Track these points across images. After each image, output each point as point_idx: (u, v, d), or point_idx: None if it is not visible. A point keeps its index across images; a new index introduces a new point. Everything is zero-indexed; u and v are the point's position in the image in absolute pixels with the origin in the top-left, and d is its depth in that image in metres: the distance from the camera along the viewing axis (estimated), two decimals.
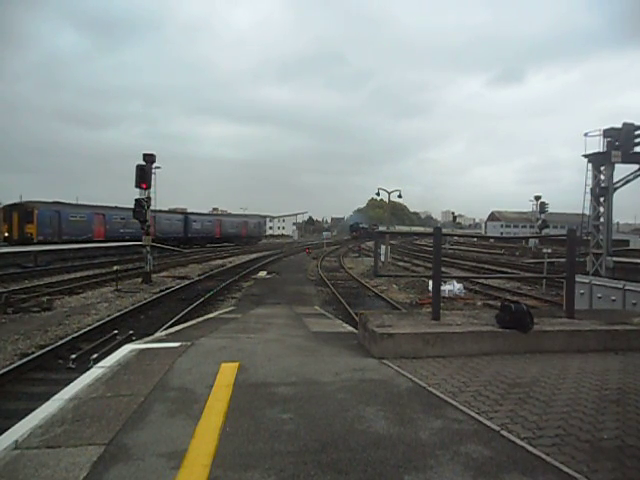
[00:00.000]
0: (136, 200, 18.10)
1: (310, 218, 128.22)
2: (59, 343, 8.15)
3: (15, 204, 31.88)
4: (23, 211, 30.35)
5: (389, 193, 31.60)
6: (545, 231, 40.46)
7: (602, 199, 16.52)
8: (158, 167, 19.23)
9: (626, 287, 10.90)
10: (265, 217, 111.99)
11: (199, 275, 20.87)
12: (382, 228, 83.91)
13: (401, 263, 31.11)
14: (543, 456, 2.56)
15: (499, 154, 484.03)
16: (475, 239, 70.29)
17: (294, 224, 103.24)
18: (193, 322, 8.02)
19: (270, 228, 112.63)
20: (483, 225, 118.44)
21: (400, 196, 32.37)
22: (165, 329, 8.50)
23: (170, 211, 48.94)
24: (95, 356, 7.06)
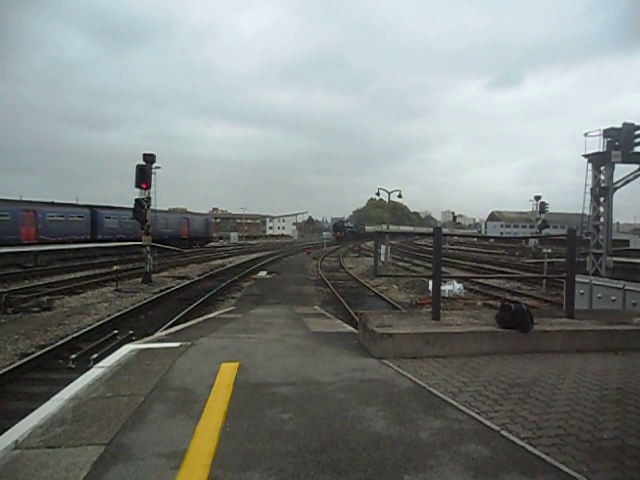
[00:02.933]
0: (136, 200, 18.12)
1: (310, 218, 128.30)
2: (59, 343, 8.15)
3: None
4: None
5: (389, 193, 31.61)
6: (545, 231, 40.47)
7: (602, 199, 16.51)
8: (158, 167, 19.23)
9: (626, 287, 10.89)
10: (263, 216, 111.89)
11: (199, 275, 20.86)
12: (370, 228, 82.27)
13: (401, 263, 31.12)
14: (543, 456, 2.56)
15: (498, 155, 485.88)
16: (475, 239, 70.27)
17: (294, 224, 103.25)
18: (193, 322, 8.02)
19: (270, 228, 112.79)
20: (483, 225, 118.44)
21: (400, 196, 32.38)
22: (165, 329, 8.51)
23: (67, 204, 33.56)
24: (95, 356, 7.06)
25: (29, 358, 7.20)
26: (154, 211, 44.35)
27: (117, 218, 36.94)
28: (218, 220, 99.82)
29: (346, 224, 78.59)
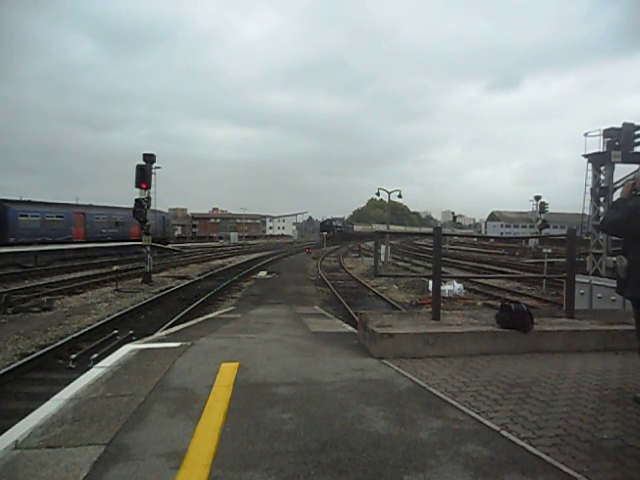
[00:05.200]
0: (136, 200, 18.09)
1: (310, 218, 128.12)
2: (59, 343, 8.15)
3: None
4: None
5: (389, 193, 31.63)
6: (545, 231, 40.42)
7: (602, 199, 16.50)
8: (158, 167, 19.21)
9: None
10: (263, 216, 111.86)
11: (199, 275, 20.87)
12: (358, 228, 79.82)
13: (401, 263, 31.12)
14: (543, 456, 2.56)
15: (498, 155, 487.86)
16: (475, 239, 70.26)
17: (294, 224, 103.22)
18: (193, 322, 8.02)
19: (270, 228, 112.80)
20: (483, 225, 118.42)
21: (400, 196, 32.42)
22: (165, 329, 8.50)
23: None
24: (95, 356, 7.06)
25: (29, 358, 7.19)
26: (92, 207, 35.18)
27: (39, 216, 29.59)
28: (218, 220, 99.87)
29: (334, 223, 71.04)
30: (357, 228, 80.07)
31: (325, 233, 61.52)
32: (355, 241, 62.48)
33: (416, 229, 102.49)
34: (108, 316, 10.97)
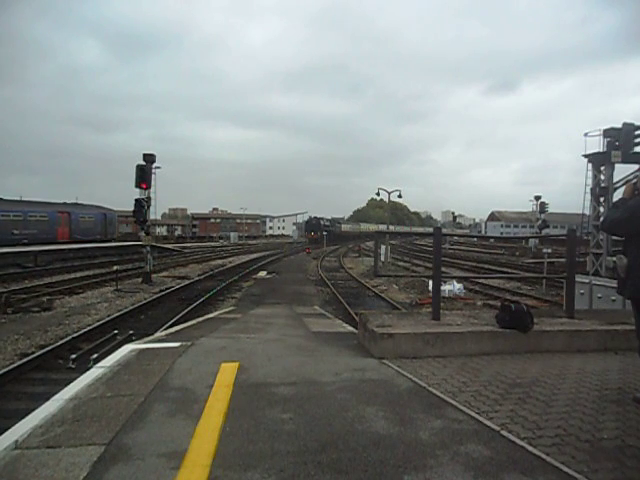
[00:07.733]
0: (136, 200, 18.05)
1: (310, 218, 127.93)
2: (59, 343, 8.15)
3: None
4: None
5: (389, 193, 31.65)
6: (545, 231, 40.39)
7: (602, 199, 16.49)
8: (158, 167, 19.19)
9: None
10: (263, 216, 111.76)
11: (199, 275, 20.86)
12: (346, 227, 77.07)
13: (401, 263, 31.12)
14: (543, 456, 2.55)
15: (498, 156, 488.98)
16: (475, 239, 70.24)
17: (294, 224, 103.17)
18: (193, 322, 8.01)
19: (270, 228, 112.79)
20: (483, 225, 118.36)
21: (400, 196, 32.47)
22: (165, 329, 8.50)
23: None
24: (95, 356, 7.06)
25: (29, 358, 7.19)
26: None
27: None
28: (218, 220, 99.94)
29: (322, 222, 60.75)
30: (345, 228, 74.75)
31: (312, 234, 55.56)
32: (347, 242, 60.31)
33: (407, 229, 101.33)
34: (108, 316, 10.96)
